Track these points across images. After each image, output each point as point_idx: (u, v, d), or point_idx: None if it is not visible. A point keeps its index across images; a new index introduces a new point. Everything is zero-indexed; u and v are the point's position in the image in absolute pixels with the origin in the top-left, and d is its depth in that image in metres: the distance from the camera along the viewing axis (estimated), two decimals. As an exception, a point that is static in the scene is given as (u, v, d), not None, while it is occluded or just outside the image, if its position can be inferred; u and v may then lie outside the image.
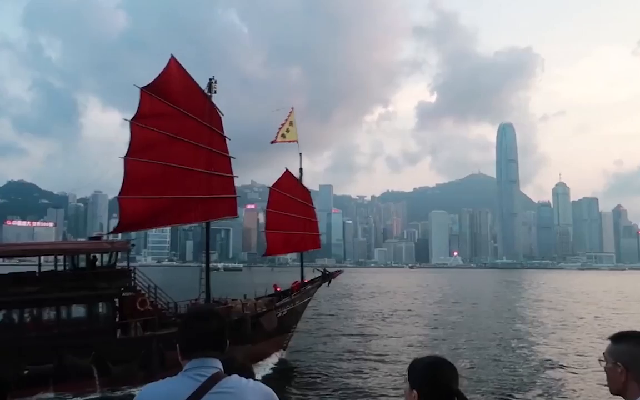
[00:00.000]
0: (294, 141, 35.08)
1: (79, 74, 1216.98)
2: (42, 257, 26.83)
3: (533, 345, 37.54)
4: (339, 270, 38.35)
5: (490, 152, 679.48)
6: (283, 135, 34.72)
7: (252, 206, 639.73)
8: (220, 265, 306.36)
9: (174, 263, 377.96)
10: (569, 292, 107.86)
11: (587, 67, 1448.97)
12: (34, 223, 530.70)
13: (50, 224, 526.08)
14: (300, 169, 36.56)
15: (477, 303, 75.36)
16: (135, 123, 26.82)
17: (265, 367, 28.97)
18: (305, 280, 35.77)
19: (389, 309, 64.87)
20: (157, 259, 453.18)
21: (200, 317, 3.22)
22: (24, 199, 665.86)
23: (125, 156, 26.62)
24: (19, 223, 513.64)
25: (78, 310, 25.17)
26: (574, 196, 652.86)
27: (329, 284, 36.04)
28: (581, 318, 56.29)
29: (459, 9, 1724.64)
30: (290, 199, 35.23)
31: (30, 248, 29.46)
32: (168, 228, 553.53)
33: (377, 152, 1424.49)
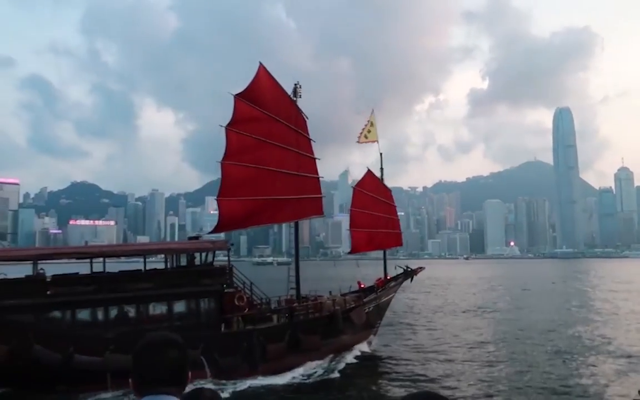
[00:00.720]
0: (374, 141, 35.94)
1: (134, 76, 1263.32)
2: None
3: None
4: (420, 267, 38.54)
5: (546, 138, 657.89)
6: (365, 136, 35.72)
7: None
8: (270, 259, 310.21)
9: (263, 258, 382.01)
10: None
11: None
12: (96, 222, 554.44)
13: (112, 223, 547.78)
14: (381, 168, 37.17)
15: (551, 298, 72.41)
16: (230, 129, 28.08)
17: (350, 355, 30.00)
18: (389, 277, 36.16)
19: (456, 301, 63.30)
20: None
21: (155, 348, 2.78)
22: (86, 199, 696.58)
23: (222, 160, 28.06)
24: (83, 222, 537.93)
25: (186, 305, 26.57)
26: (639, 181, 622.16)
27: (411, 280, 36.59)
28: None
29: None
30: (373, 197, 35.97)
31: (142, 248, 31.76)
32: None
33: (429, 141, 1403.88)
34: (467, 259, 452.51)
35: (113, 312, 25.14)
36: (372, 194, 36.05)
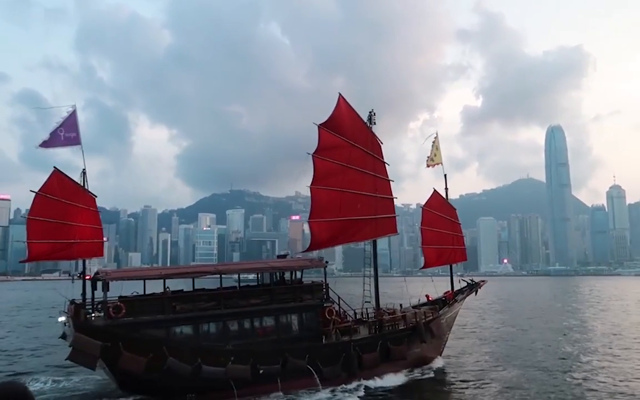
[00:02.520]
0: (439, 164, 38.53)
1: (128, 92, 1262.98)
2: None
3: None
4: (483, 280, 40.61)
5: (539, 155, 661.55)
6: (432, 160, 38.49)
7: (297, 217, 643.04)
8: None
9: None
10: None
11: None
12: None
13: (104, 239, 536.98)
14: (446, 189, 39.17)
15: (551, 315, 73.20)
16: (317, 156, 30.48)
17: (431, 369, 31.92)
18: (454, 291, 38.43)
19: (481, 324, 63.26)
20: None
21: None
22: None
23: (310, 185, 30.37)
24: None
25: (291, 319, 28.54)
26: (631, 199, 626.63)
27: (476, 293, 38.90)
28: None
29: (504, 10, 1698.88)
30: (440, 216, 38.33)
31: (250, 266, 34.57)
32: (215, 241, 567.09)
33: (423, 159, 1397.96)
34: (461, 276, 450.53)
35: (231, 326, 26.95)
36: (439, 213, 38.29)
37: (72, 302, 27.78)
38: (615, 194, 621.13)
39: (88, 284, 29.73)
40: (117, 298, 25.89)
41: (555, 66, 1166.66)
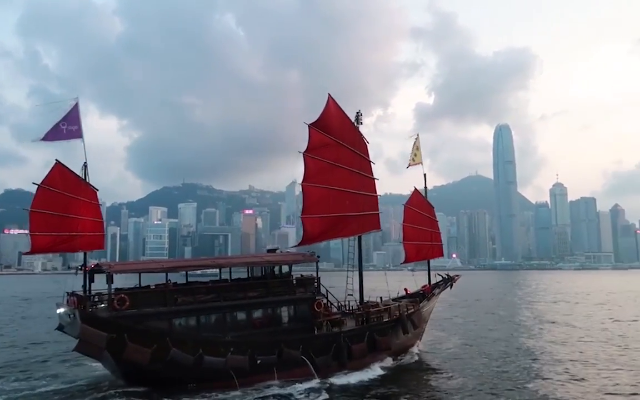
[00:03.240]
0: (420, 163, 40.51)
1: (76, 81, 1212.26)
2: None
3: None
4: (458, 275, 42.85)
5: (489, 153, 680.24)
6: (413, 160, 40.27)
7: (250, 211, 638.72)
8: (209, 271, 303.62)
9: None
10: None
11: (584, 66, 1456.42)
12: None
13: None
14: (425, 187, 41.58)
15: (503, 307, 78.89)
16: (308, 155, 31.78)
17: (413, 354, 34.69)
18: (431, 284, 40.63)
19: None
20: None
21: None
22: (21, 207, 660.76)
23: (302, 182, 31.79)
24: (17, 232, 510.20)
25: (286, 311, 29.73)
26: (573, 196, 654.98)
27: (451, 287, 41.30)
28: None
29: (457, 10, 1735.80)
30: (420, 214, 40.61)
31: (243, 260, 35.08)
32: (166, 235, 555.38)
33: (376, 154, 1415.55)
34: (412, 270, 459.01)
35: (229, 318, 27.86)
36: (419, 210, 40.58)
37: (73, 293, 28.02)
38: (558, 191, 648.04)
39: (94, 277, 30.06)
40: (113, 290, 26.32)
41: (505, 66, 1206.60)
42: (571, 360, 33.88)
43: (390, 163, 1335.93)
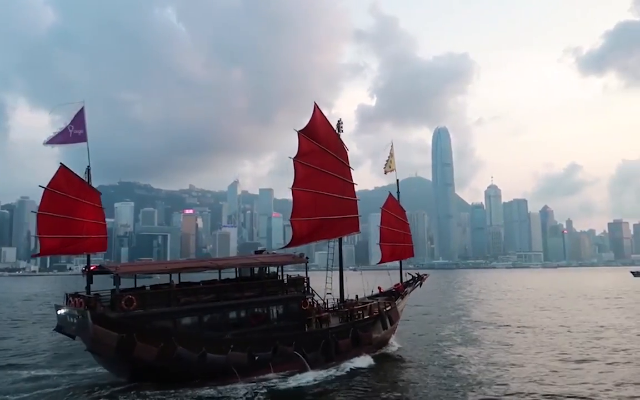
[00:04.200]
0: (394, 170, 43.09)
1: (5, 74, 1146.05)
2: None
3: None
4: (426, 274, 45.25)
5: (428, 155, 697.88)
6: (389, 166, 42.87)
7: (190, 211, 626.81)
8: None
9: None
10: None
11: (518, 73, 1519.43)
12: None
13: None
14: (398, 192, 44.13)
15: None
16: (297, 160, 33.45)
17: (397, 348, 37.36)
18: (403, 282, 43.09)
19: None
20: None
21: None
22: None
23: (292, 187, 33.42)
24: None
25: (279, 309, 31.16)
26: (506, 198, 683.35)
27: (420, 285, 43.58)
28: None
29: (399, 14, 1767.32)
30: (394, 217, 43.17)
31: (240, 262, 36.60)
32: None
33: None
34: (355, 270, 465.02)
35: (229, 316, 29.09)
36: (394, 214, 43.03)
37: (76, 294, 28.40)
38: (493, 193, 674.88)
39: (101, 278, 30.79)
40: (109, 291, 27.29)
41: (444, 71, 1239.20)
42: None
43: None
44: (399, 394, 26.12)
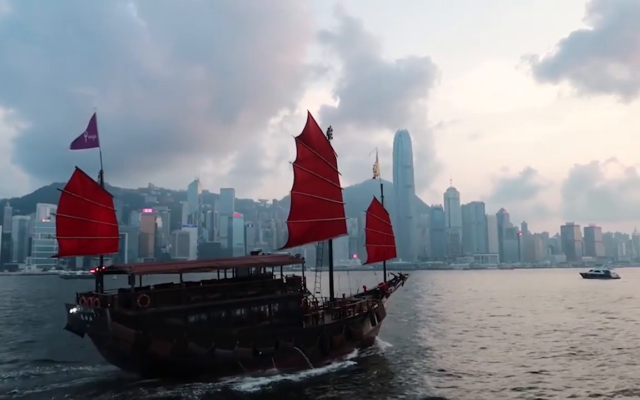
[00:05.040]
0: (379, 175, 45.65)
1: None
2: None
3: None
4: (407, 274, 47.91)
5: (389, 157, 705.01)
6: (375, 172, 45.68)
7: (149, 210, 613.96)
8: (79, 272, 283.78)
9: (64, 271, 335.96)
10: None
11: (477, 78, 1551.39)
12: None
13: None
14: (382, 196, 46.48)
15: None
16: (296, 165, 35.54)
17: (385, 341, 40.03)
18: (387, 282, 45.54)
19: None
20: (43, 267, 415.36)
21: None
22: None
23: (291, 191, 35.52)
24: None
25: (280, 307, 32.80)
26: (465, 200, 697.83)
27: (403, 284, 46.20)
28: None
29: (363, 17, 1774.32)
30: (378, 219, 45.55)
31: (242, 262, 38.94)
32: (55, 234, 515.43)
33: (283, 155, 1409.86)
34: (315, 270, 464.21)
35: (234, 313, 30.59)
36: (378, 217, 45.40)
37: (89, 294, 29.62)
38: (451, 195, 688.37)
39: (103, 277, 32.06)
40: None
41: (407, 74, 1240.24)
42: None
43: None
44: (392, 383, 28.48)
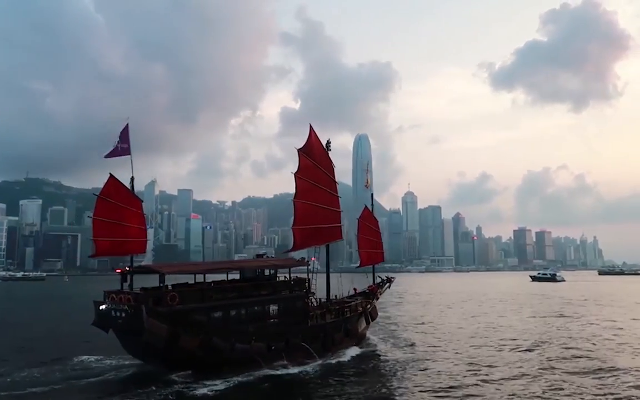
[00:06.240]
0: (369, 185, 51.05)
1: None
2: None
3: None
4: (393, 276, 51.32)
5: (349, 160, 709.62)
6: (367, 182, 52.85)
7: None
8: (19, 274, 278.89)
9: (11, 273, 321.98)
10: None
11: (437, 85, 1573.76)
12: None
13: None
14: (372, 204, 49.28)
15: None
16: (298, 175, 38.32)
17: (376, 338, 44.13)
18: (376, 284, 48.43)
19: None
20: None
21: None
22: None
23: (294, 199, 38.33)
24: None
25: (288, 306, 35.13)
26: (422, 204, 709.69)
27: (389, 286, 49.56)
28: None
29: (325, 20, 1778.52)
30: (368, 226, 48.92)
31: (256, 264, 40.00)
32: (4, 234, 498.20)
33: (244, 156, 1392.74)
34: (311, 272, 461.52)
35: (250, 311, 32.68)
36: (368, 224, 48.76)
37: (120, 291, 31.75)
38: (409, 199, 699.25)
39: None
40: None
41: (368, 78, 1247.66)
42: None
43: (256, 166, 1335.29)
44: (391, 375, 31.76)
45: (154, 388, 27.27)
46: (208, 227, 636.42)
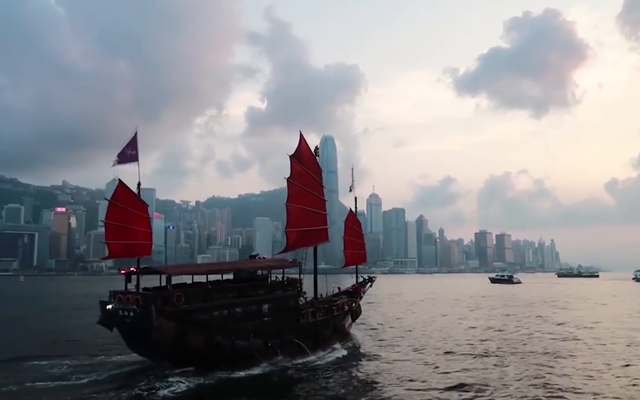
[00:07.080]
0: (353, 190, 51.31)
1: None
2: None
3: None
4: (375, 276, 54.47)
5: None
6: (351, 187, 51.40)
7: (63, 209, 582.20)
8: None
9: None
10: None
11: (402, 88, 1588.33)
12: None
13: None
14: (356, 207, 51.92)
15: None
16: (291, 181, 40.01)
17: (360, 334, 46.41)
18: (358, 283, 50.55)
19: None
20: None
21: None
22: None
23: (286, 203, 39.88)
24: None
25: (282, 304, 36.74)
26: (386, 206, 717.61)
27: (371, 285, 51.86)
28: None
29: (292, 20, 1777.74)
30: (353, 228, 51.30)
31: (249, 265, 41.07)
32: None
33: (209, 156, 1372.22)
34: (298, 273, 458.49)
35: (247, 310, 34.06)
36: (352, 226, 51.17)
37: (127, 291, 32.61)
38: (374, 201, 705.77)
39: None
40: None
41: (335, 80, 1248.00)
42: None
43: (221, 166, 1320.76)
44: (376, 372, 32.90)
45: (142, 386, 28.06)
46: (171, 227, 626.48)
